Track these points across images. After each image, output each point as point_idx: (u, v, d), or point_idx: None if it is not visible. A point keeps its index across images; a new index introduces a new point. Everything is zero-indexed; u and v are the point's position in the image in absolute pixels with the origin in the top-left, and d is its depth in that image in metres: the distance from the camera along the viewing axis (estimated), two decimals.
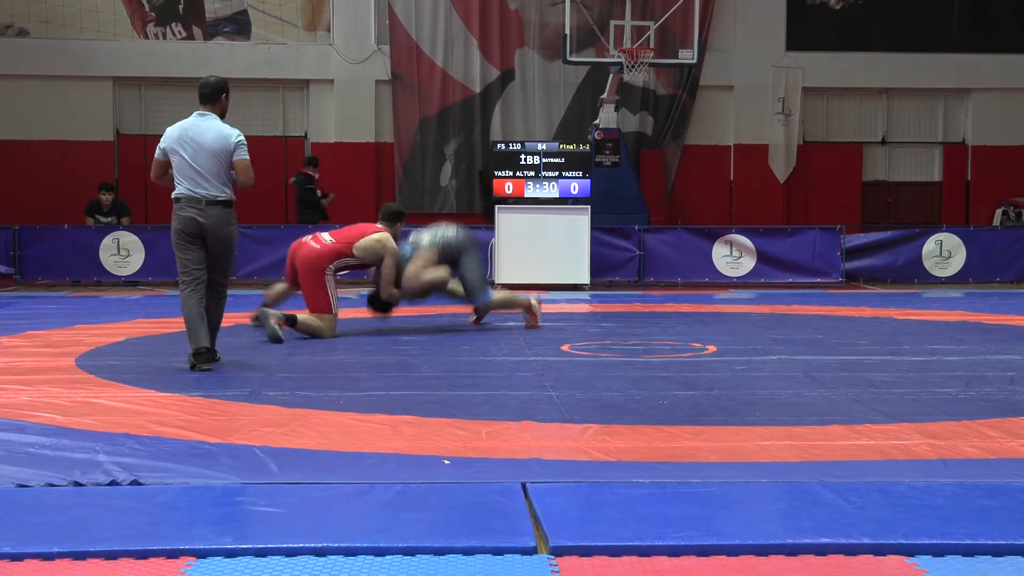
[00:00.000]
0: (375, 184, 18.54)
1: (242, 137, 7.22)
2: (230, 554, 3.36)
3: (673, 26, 17.83)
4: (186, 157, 7.08)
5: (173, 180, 7.19)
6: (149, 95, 18.62)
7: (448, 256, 9.16)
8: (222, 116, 7.27)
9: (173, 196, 7.15)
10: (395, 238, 9.13)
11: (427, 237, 9.20)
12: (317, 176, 16.45)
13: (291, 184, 16.60)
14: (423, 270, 9.02)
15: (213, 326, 7.29)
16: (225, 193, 7.13)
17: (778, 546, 3.42)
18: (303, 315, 8.78)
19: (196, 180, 7.07)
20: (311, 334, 8.73)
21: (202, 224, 7.06)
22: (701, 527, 3.59)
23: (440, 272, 9.04)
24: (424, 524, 3.63)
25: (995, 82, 19.29)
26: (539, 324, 9.50)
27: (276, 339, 8.41)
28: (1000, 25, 19.37)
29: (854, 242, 15.66)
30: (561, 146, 14.83)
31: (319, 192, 16.38)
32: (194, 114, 7.25)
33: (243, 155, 7.15)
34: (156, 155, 7.27)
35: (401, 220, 9.33)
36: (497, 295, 9.58)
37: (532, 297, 9.75)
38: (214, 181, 7.08)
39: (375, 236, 9.04)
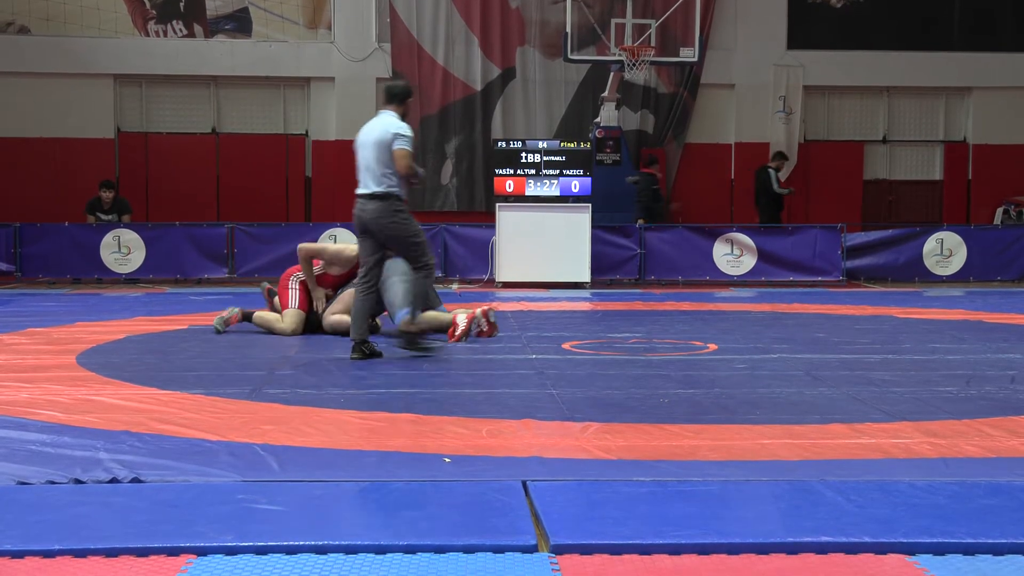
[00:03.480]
0: None
1: (403, 129, 7.51)
2: (231, 552, 3.36)
3: (674, 24, 17.81)
4: (358, 156, 7.58)
5: None
6: (150, 93, 18.62)
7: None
8: (403, 118, 7.62)
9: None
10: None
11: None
12: (660, 175, 16.64)
13: (629, 183, 16.74)
14: (337, 312, 8.93)
15: (421, 296, 7.78)
16: (381, 187, 7.45)
17: (778, 545, 3.42)
18: (259, 312, 9.21)
19: (362, 177, 7.53)
20: (265, 329, 9.03)
21: (364, 219, 7.50)
22: (701, 526, 3.59)
23: (346, 319, 8.83)
24: (425, 522, 3.63)
25: (996, 81, 19.27)
26: (459, 337, 8.45)
27: (217, 332, 8.92)
28: (1001, 23, 19.35)
29: (855, 240, 15.65)
30: (562, 144, 14.83)
31: (662, 192, 16.55)
32: (382, 112, 7.69)
33: (401, 145, 7.44)
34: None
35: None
36: (421, 318, 8.30)
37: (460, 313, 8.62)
38: (374, 176, 7.45)
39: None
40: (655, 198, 16.37)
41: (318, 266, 9.09)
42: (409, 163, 7.46)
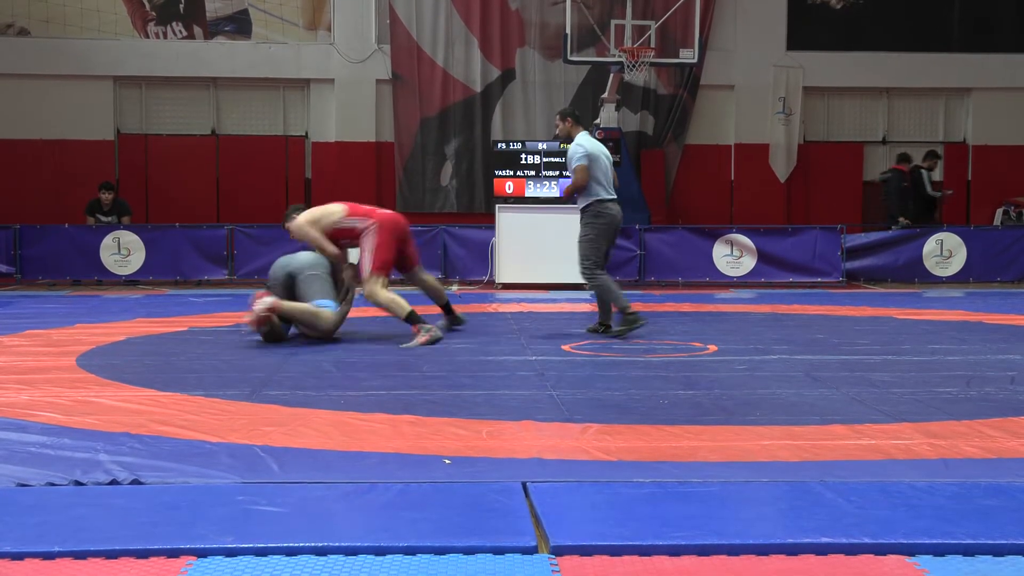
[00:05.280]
0: (375, 184, 18.54)
1: None
2: (231, 553, 3.36)
3: (674, 25, 17.83)
4: (599, 167, 8.97)
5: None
6: (150, 94, 18.63)
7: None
8: None
9: (596, 198, 8.96)
10: None
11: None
12: (907, 171, 16.59)
13: (879, 181, 16.86)
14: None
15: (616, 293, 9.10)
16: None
17: (778, 546, 3.42)
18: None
19: (605, 186, 8.98)
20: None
21: (619, 219, 9.09)
22: (701, 527, 3.58)
23: (331, 316, 8.64)
24: (425, 523, 3.63)
25: (996, 82, 19.28)
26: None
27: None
28: (1001, 25, 19.37)
29: (855, 242, 15.66)
30: (562, 145, 14.79)
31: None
32: (585, 132, 9.24)
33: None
34: (584, 163, 8.91)
35: None
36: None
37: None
38: (612, 186, 9.06)
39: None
40: (903, 196, 16.27)
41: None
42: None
